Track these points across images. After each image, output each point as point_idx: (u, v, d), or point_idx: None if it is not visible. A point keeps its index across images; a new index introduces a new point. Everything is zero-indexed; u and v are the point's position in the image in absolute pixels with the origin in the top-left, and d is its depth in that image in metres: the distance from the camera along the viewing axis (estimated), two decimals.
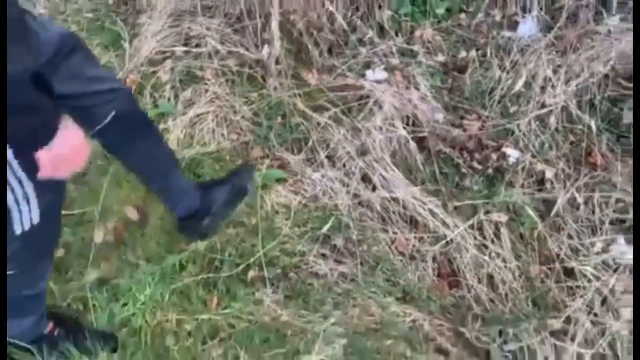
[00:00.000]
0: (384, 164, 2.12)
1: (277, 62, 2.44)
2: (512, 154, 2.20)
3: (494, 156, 2.21)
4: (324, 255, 1.98)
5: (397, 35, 2.61)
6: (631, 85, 2.18)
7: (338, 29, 2.57)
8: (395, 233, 2.03)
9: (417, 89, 2.42)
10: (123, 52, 2.54)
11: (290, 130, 2.29)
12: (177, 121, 2.28)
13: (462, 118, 2.36)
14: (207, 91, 2.35)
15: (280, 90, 2.39)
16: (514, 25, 2.55)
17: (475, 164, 2.22)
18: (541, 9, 2.49)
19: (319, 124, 2.25)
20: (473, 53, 2.53)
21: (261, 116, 2.34)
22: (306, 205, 2.09)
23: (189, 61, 2.45)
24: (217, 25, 2.52)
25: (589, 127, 2.20)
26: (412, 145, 2.19)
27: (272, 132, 2.29)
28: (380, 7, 2.62)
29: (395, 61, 2.52)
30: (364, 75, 2.48)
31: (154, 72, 2.44)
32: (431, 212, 2.03)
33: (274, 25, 2.40)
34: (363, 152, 2.13)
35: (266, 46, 2.47)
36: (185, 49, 2.50)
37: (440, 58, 2.55)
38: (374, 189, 2.10)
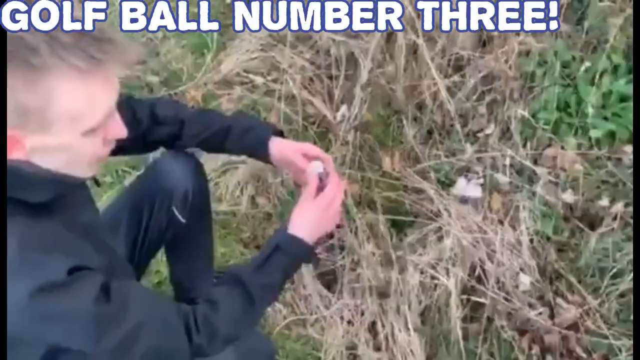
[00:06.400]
0: (404, 320, 1.52)
1: (353, 130, 1.94)
2: None
3: None
4: None
5: (524, 145, 1.92)
6: None
7: (444, 109, 1.96)
8: None
9: (514, 228, 1.74)
10: (202, 60, 2.23)
11: None
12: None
13: (557, 294, 1.64)
14: None
15: (338, 165, 1.89)
16: None
17: None
18: None
19: (354, 226, 1.71)
20: (619, 206, 1.75)
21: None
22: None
23: (260, 96, 2.07)
24: (304, 61, 2.08)
25: None
26: (458, 307, 1.55)
27: None
28: (514, 99, 1.94)
29: (503, 179, 1.85)
30: (452, 183, 1.86)
31: (219, 95, 2.10)
32: None
33: (359, 84, 1.89)
34: (383, 293, 1.55)
35: (344, 106, 1.97)
36: (262, 80, 2.11)
37: (568, 197, 1.81)
38: (378, 349, 1.51)
